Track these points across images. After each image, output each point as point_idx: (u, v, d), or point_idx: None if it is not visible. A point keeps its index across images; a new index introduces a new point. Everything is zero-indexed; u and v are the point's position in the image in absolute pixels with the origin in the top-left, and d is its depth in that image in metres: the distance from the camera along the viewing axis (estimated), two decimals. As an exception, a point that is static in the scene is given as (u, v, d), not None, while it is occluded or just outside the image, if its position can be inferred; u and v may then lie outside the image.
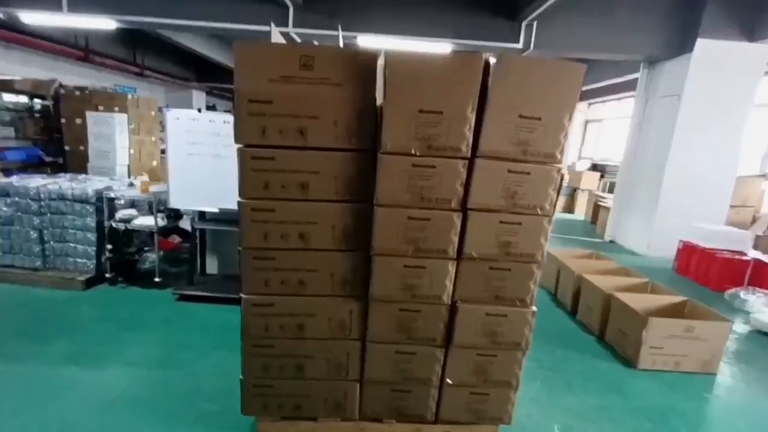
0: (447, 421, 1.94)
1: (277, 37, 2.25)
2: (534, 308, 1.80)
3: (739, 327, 3.49)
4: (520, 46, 5.41)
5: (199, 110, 3.28)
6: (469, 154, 1.63)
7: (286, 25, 5.22)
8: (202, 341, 2.74)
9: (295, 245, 1.70)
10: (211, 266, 3.76)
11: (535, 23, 5.34)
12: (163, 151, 8.89)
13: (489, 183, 1.65)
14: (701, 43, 5.21)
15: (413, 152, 1.61)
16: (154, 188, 3.55)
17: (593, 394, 2.40)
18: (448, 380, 1.87)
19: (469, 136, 1.61)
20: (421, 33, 5.43)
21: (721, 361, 2.76)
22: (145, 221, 3.46)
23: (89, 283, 3.47)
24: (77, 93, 7.17)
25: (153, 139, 7.98)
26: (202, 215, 3.50)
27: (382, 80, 1.58)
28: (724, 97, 5.25)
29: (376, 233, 1.67)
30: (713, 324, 2.76)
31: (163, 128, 10.15)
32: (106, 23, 5.50)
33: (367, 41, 5.52)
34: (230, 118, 3.29)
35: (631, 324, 2.82)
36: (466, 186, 1.65)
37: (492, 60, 1.56)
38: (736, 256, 4.49)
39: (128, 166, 6.96)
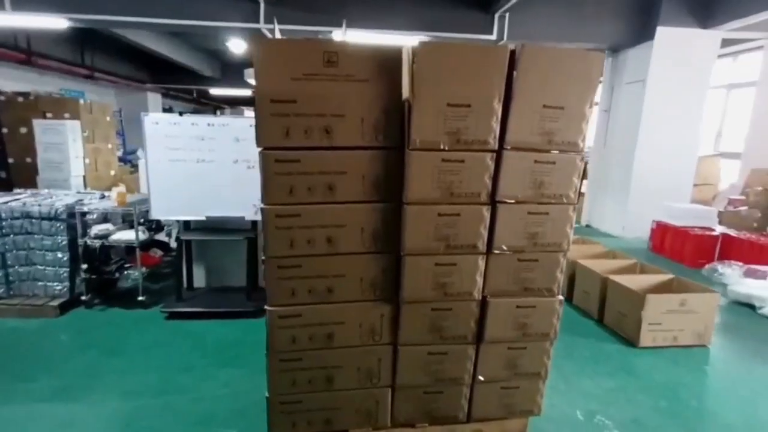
0: (479, 419, 1.91)
1: (277, 35, 2.11)
2: (561, 297, 1.81)
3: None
4: (494, 37, 5.48)
5: (181, 113, 3.07)
6: (496, 147, 1.60)
7: (257, 21, 5.01)
8: (202, 361, 2.57)
9: (323, 251, 1.61)
10: (199, 279, 3.55)
11: (507, 15, 5.43)
12: (121, 160, 8.36)
13: (517, 174, 1.63)
14: (661, 31, 5.50)
15: (442, 147, 1.56)
16: (130, 199, 3.30)
17: (606, 377, 2.47)
18: (480, 377, 1.84)
19: (497, 128, 1.58)
20: (396, 26, 5.38)
21: (713, 332, 2.91)
22: (124, 236, 3.21)
23: (63, 308, 3.17)
24: (20, 99, 6.55)
25: (110, 146, 7.45)
26: (186, 225, 3.29)
27: (408, 74, 1.52)
28: (685, 82, 5.58)
29: (406, 233, 1.61)
30: (703, 296, 2.91)
31: (119, 134, 9.48)
32: (55, 22, 5.04)
33: (340, 36, 5.40)
34: (214, 120, 3.11)
35: (630, 304, 2.93)
36: (494, 178, 1.63)
37: (516, 50, 1.54)
38: (706, 232, 4.79)
39: (84, 177, 6.46)
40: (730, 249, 4.66)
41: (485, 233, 1.66)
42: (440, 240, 1.64)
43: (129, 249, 3.51)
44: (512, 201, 1.65)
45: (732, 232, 4.85)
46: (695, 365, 2.66)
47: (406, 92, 1.55)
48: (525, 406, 1.93)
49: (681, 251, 4.88)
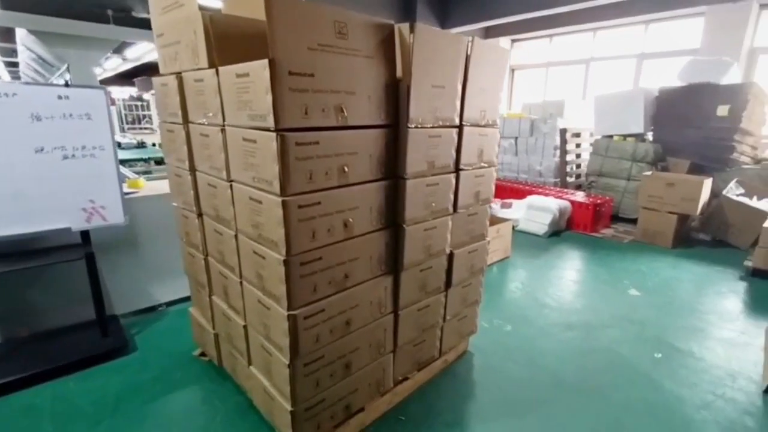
0: (445, 351, 2.29)
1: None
2: (489, 238, 2.34)
3: (494, 226, 5.32)
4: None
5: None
6: (458, 123, 1.89)
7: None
8: (99, 430, 1.86)
9: (341, 236, 1.54)
10: (-7, 333, 2.35)
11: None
12: None
13: (471, 146, 1.99)
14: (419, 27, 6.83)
15: (430, 125, 1.73)
16: None
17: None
18: (448, 317, 2.20)
19: (459, 107, 1.86)
20: None
21: (511, 247, 4.25)
22: None
23: None
24: None
25: None
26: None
27: (401, 54, 1.59)
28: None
29: (406, 205, 1.72)
30: (505, 224, 4.18)
31: None
32: None
33: None
34: None
35: (470, 240, 3.88)
36: (458, 150, 1.93)
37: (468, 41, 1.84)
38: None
39: None
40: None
41: (453, 197, 1.97)
42: (427, 208, 1.84)
43: None
44: (468, 168, 2.01)
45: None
46: (510, 271, 3.85)
47: (397, 71, 1.62)
48: (470, 328, 2.43)
49: (459, 197, 6.53)
